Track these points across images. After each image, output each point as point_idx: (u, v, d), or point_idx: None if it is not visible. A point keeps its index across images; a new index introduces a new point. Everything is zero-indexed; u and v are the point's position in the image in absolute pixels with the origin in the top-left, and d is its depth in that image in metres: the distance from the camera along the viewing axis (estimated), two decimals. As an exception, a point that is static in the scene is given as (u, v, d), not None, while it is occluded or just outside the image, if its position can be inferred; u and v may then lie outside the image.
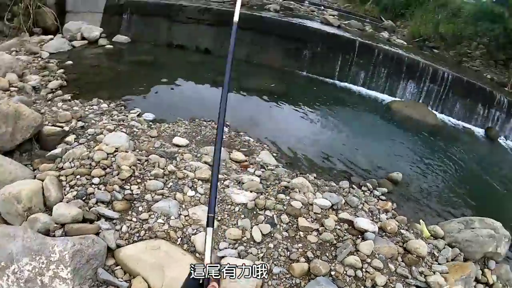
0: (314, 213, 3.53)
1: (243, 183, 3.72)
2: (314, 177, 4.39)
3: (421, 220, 4.12)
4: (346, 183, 4.38)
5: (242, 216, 3.33)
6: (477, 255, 3.78)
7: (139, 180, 3.44)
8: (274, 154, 4.78)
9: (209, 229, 1.49)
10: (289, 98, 7.03)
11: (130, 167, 3.50)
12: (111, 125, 4.46)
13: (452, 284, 3.24)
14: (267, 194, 3.67)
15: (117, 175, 3.41)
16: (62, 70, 6.59)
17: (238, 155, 4.34)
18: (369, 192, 4.48)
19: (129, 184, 3.39)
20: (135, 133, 4.49)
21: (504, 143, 8.31)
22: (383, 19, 17.26)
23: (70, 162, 3.52)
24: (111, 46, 8.39)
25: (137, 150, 3.96)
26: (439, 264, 3.50)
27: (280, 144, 5.19)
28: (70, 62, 7.17)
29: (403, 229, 3.75)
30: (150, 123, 4.94)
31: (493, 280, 3.69)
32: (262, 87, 7.30)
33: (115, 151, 3.70)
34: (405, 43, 11.64)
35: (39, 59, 7.22)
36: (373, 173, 5.10)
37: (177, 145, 4.34)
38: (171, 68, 7.75)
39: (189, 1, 10.06)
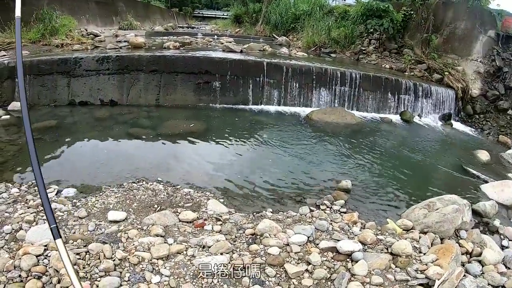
0: (295, 253, 3.33)
1: (209, 247, 3.32)
2: (271, 213, 4.20)
3: (388, 219, 4.24)
4: (306, 208, 4.29)
5: (225, 286, 2.91)
6: (450, 231, 4.05)
7: (88, 282, 2.81)
8: (221, 200, 4.46)
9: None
10: (211, 134, 6.85)
11: (70, 267, 2.85)
12: (29, 215, 3.73)
13: (448, 268, 3.29)
14: (238, 250, 3.35)
15: (58, 282, 2.77)
16: (-50, 151, 5.63)
17: (188, 214, 3.91)
18: (329, 209, 4.42)
19: (74, 268, 2.74)
20: (60, 218, 3.80)
21: (419, 121, 9.38)
22: (276, 36, 18.02)
23: (-7, 280, 2.80)
24: (8, 116, 7.45)
25: (71, 241, 3.32)
26: (425, 254, 3.57)
27: (221, 186, 4.92)
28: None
29: (378, 235, 3.77)
30: (74, 200, 4.22)
31: (471, 247, 3.97)
32: (181, 129, 7.00)
33: (45, 250, 3.06)
34: (305, 54, 12.31)
35: None
36: (322, 188, 5.07)
37: (115, 221, 3.74)
38: (78, 129, 7.09)
39: (84, 52, 9.42)
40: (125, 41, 12.03)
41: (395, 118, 9.18)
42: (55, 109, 8.07)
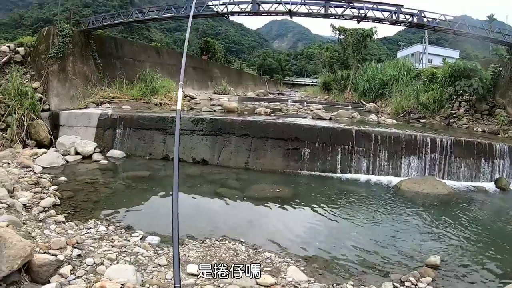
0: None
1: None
2: (352, 286, 3.90)
3: None
4: (389, 284, 3.92)
5: None
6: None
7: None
8: (302, 268, 4.21)
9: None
10: (297, 201, 6.65)
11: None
12: (112, 253, 3.91)
13: None
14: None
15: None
16: (55, 187, 6.24)
17: (266, 278, 3.74)
18: (414, 286, 3.98)
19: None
20: (141, 262, 3.91)
21: (516, 189, 8.18)
22: (364, 103, 17.92)
23: (66, 305, 2.89)
24: (106, 161, 8.17)
25: (147, 285, 3.38)
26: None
27: (303, 254, 4.68)
28: (63, 178, 6.88)
29: None
30: (157, 248, 4.36)
31: None
32: (268, 193, 6.95)
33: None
34: (394, 121, 11.91)
35: (32, 173, 6.93)
36: (408, 263, 4.61)
37: (193, 275, 3.72)
38: (169, 183, 7.41)
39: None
40: (219, 105, 12.74)
41: (490, 186, 8.29)
42: (150, 162, 8.65)
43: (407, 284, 4.01)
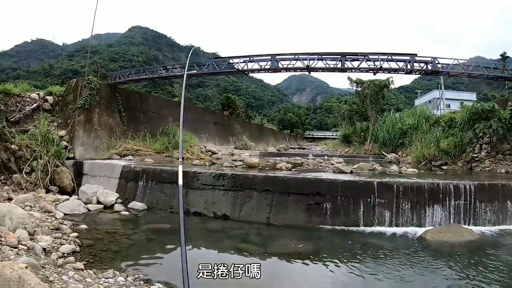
0: None
1: None
2: None
3: None
4: None
5: None
6: None
7: None
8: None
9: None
10: (320, 257, 6.45)
11: None
12: (130, 306, 3.79)
13: None
14: None
15: None
16: (75, 234, 6.28)
17: None
18: None
19: None
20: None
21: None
22: (384, 153, 17.78)
23: None
24: (127, 213, 8.22)
25: None
26: None
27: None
28: (84, 226, 6.94)
29: None
30: (175, 302, 4.22)
31: None
32: (289, 249, 6.77)
33: None
34: (416, 170, 11.67)
35: (53, 218, 7.03)
36: None
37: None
38: (190, 237, 7.35)
39: (202, 168, 10.19)
40: (240, 160, 12.85)
41: None
42: (170, 215, 8.64)
43: None
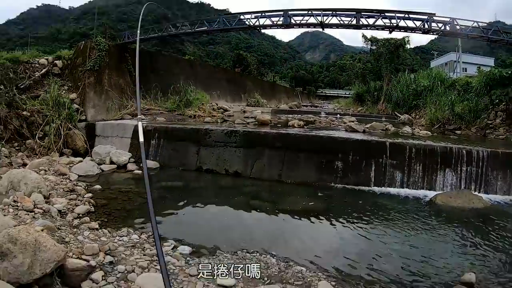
0: None
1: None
2: (384, 302, 3.67)
3: None
4: None
5: None
6: None
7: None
8: (333, 283, 4.08)
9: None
10: (330, 215, 6.50)
11: (172, 320, 2.86)
12: (143, 262, 3.93)
13: None
14: None
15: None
16: (90, 195, 6.39)
17: (297, 293, 3.65)
18: None
19: None
20: (171, 271, 3.91)
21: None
22: (398, 114, 17.47)
23: (97, 309, 2.91)
24: (140, 171, 8.31)
25: (177, 295, 3.35)
26: None
27: (335, 269, 4.55)
28: (98, 186, 7.04)
29: None
30: (188, 258, 4.35)
31: None
32: (300, 206, 6.85)
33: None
34: (429, 132, 11.47)
35: (67, 180, 7.12)
36: (442, 280, 4.37)
37: (223, 286, 3.69)
38: (202, 194, 7.48)
39: (214, 125, 10.18)
40: (252, 117, 12.77)
41: None
42: (183, 172, 8.75)
43: (440, 304, 3.79)
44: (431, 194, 7.85)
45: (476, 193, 7.84)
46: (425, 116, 15.51)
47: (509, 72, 11.70)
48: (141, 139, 3.61)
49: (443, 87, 16.32)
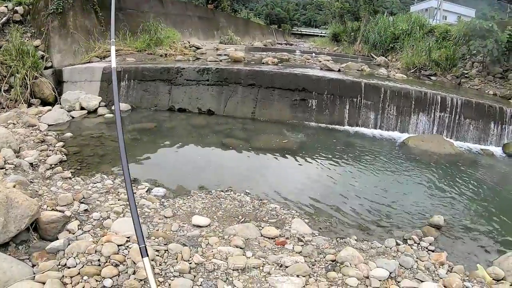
0: (373, 288, 3.01)
1: (286, 267, 3.14)
2: (355, 240, 3.88)
3: (478, 265, 3.67)
4: (392, 241, 3.89)
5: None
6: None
7: (160, 279, 2.83)
8: (306, 221, 4.22)
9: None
10: (303, 153, 6.61)
11: (148, 262, 2.91)
12: (118, 207, 3.92)
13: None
14: (316, 275, 3.12)
15: (133, 273, 2.82)
16: (61, 143, 6.21)
17: (270, 230, 3.76)
18: (416, 245, 3.97)
19: (156, 283, 2.78)
20: (146, 214, 3.93)
21: (523, 156, 8.03)
22: (374, 56, 17.47)
23: (74, 258, 2.95)
24: (111, 115, 8.12)
25: (153, 238, 3.41)
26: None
27: (308, 206, 4.70)
28: (69, 134, 6.85)
29: (465, 281, 3.31)
30: (162, 200, 4.37)
31: None
32: (273, 144, 6.92)
33: (126, 241, 3.14)
34: (404, 76, 11.64)
35: (37, 131, 6.87)
36: (412, 221, 4.60)
37: (198, 226, 3.76)
38: (175, 134, 7.42)
39: (186, 63, 9.93)
40: (225, 55, 12.47)
41: (497, 150, 8.09)
42: (155, 113, 8.58)
43: (409, 242, 4.00)
44: (403, 136, 8.05)
45: (448, 139, 8.07)
46: (401, 60, 15.52)
47: (490, 25, 11.66)
48: (113, 64, 3.53)
49: (422, 33, 16.22)
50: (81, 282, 2.74)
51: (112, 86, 8.83)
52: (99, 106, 8.52)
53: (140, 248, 1.58)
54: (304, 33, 65.50)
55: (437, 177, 6.14)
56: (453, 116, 8.32)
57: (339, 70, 10.58)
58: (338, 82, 8.62)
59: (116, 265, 2.89)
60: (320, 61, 12.50)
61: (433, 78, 12.84)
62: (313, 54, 17.48)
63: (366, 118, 8.37)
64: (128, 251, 3.02)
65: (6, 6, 11.15)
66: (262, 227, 3.87)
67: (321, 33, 52.11)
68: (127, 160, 2.67)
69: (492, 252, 4.11)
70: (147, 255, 1.51)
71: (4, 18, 10.70)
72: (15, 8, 11.24)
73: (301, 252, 3.44)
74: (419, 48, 14.64)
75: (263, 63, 11.04)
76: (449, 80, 12.63)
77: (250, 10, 68.07)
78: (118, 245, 3.07)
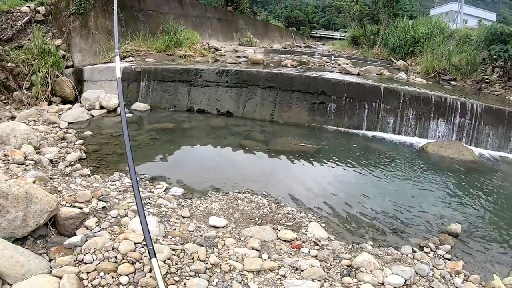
0: (388, 295, 2.96)
1: (301, 270, 3.12)
2: (371, 246, 3.83)
3: (494, 275, 3.46)
4: (408, 248, 3.82)
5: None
6: None
7: (176, 278, 2.85)
8: (323, 225, 4.18)
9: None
10: (321, 157, 6.57)
11: (164, 261, 2.94)
12: (136, 205, 3.92)
13: None
14: (331, 280, 3.10)
15: (150, 271, 2.84)
16: (81, 141, 6.30)
17: (287, 233, 3.74)
18: (432, 253, 3.89)
19: (165, 283, 2.79)
20: (164, 213, 3.96)
21: (547, 164, 7.78)
22: (393, 60, 17.26)
23: (91, 254, 2.98)
24: (130, 114, 8.21)
25: (170, 237, 3.43)
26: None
27: (325, 210, 4.65)
28: (89, 132, 6.94)
29: None
30: (180, 200, 4.39)
31: None
32: (292, 147, 6.88)
33: (143, 240, 3.15)
34: (424, 81, 11.43)
35: (57, 129, 6.98)
36: (429, 228, 4.51)
37: (215, 227, 3.77)
38: (193, 134, 7.45)
39: (205, 64, 9.98)
40: (244, 57, 12.51)
41: None
42: (174, 113, 8.63)
43: (426, 249, 3.92)
44: (422, 142, 7.92)
45: (467, 145, 7.88)
46: (421, 64, 15.25)
47: (511, 29, 11.41)
48: (118, 75, 3.58)
49: (442, 37, 15.95)
50: (97, 278, 2.77)
51: (134, 86, 9.08)
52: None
53: (148, 250, 1.59)
54: (323, 35, 65.21)
55: (456, 184, 6.01)
56: (473, 122, 8.13)
57: (358, 74, 10.48)
58: (357, 86, 8.53)
59: (133, 263, 2.91)
60: (339, 64, 12.41)
61: (453, 83, 12.57)
62: (332, 57, 17.40)
63: (385, 122, 8.25)
64: (145, 250, 3.03)
65: (29, 6, 11.41)
66: (279, 230, 3.84)
67: (340, 36, 51.78)
68: (133, 163, 2.68)
69: (509, 263, 4.00)
70: (155, 257, 1.52)
71: (27, 18, 10.94)
72: (37, 8, 11.48)
73: (317, 256, 3.41)
74: (439, 52, 14.34)
75: (282, 66, 11.02)
76: (469, 85, 12.36)
77: (269, 13, 68.29)
78: (135, 243, 3.09)
